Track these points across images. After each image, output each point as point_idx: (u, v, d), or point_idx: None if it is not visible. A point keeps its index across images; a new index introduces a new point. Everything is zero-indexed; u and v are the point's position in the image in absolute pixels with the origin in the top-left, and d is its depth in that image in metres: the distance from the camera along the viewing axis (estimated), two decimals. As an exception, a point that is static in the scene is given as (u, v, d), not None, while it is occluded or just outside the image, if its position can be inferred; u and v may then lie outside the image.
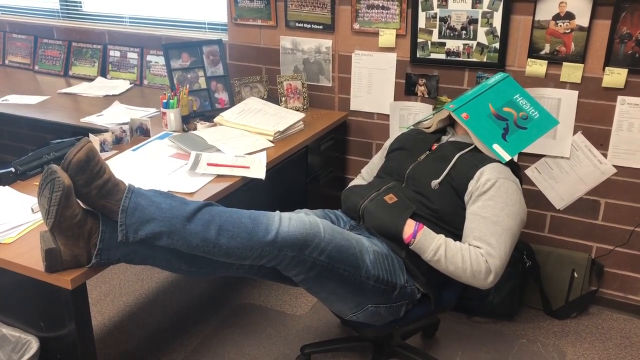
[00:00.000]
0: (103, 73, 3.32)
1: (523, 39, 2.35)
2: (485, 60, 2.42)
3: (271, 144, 2.33)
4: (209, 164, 2.05)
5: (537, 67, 2.35)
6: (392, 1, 2.52)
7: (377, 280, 1.68)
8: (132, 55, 3.24)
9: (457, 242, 1.72)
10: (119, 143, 2.26)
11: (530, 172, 2.50)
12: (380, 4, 2.55)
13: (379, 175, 2.03)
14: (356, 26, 2.64)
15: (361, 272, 1.65)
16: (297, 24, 2.78)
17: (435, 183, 1.81)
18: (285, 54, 2.85)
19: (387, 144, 2.15)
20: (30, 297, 1.56)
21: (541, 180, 2.50)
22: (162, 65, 3.09)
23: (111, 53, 3.31)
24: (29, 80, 3.35)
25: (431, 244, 1.69)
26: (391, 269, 1.71)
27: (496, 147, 1.87)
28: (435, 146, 1.96)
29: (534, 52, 2.34)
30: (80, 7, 3.45)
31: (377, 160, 2.17)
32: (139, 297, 2.60)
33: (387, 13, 2.55)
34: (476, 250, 1.69)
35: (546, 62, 2.33)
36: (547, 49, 2.31)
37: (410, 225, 1.72)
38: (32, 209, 1.72)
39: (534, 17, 2.29)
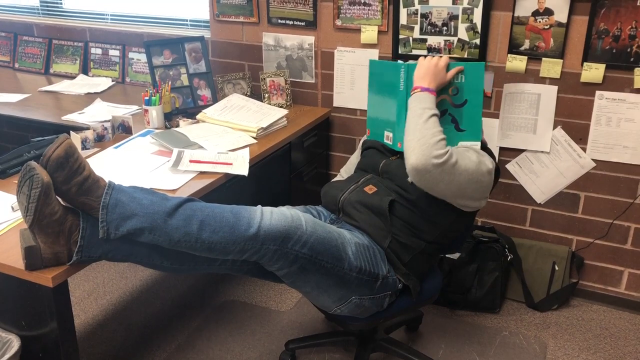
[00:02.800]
0: (85, 71, 3.29)
1: (503, 35, 2.38)
2: (466, 56, 2.45)
3: (254, 141, 2.33)
4: (191, 161, 2.05)
5: (518, 63, 2.38)
6: (374, -3, 2.53)
7: (360, 272, 1.69)
8: (114, 53, 3.22)
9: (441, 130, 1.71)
10: (101, 141, 2.25)
11: (511, 166, 2.53)
12: (362, 1, 2.56)
13: (356, 172, 2.05)
14: (338, 23, 2.65)
15: (344, 263, 1.67)
16: (279, 21, 2.78)
17: (410, 179, 1.82)
18: (268, 50, 2.85)
19: (360, 144, 2.17)
20: (11, 296, 1.55)
21: (522, 175, 2.53)
22: (144, 62, 3.07)
23: (93, 50, 3.28)
24: (9, 78, 3.31)
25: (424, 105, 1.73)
26: (373, 260, 1.73)
27: (462, 144, 1.85)
28: None
29: (514, 48, 2.37)
30: (61, 4, 3.41)
31: (354, 159, 2.19)
32: (123, 295, 2.59)
33: (368, 10, 2.56)
34: (443, 142, 1.68)
35: (526, 57, 2.36)
36: (526, 44, 2.34)
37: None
38: (12, 207, 1.71)
39: (513, 13, 2.32)
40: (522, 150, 2.50)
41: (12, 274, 1.47)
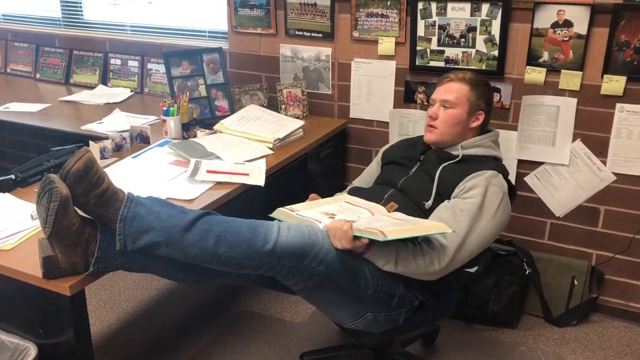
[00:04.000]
0: (104, 81, 3.33)
1: (522, 46, 2.36)
2: (484, 68, 2.43)
3: (271, 152, 2.33)
4: (208, 171, 2.06)
5: (536, 75, 2.36)
6: (391, 9, 2.53)
7: (376, 290, 1.67)
8: (133, 63, 3.26)
9: (410, 251, 1.66)
10: (119, 150, 2.27)
11: (529, 179, 2.50)
12: (380, 12, 2.56)
13: (375, 186, 2.04)
14: (355, 34, 2.65)
15: (360, 281, 1.65)
16: (297, 32, 2.79)
17: (427, 204, 1.82)
18: (285, 62, 2.87)
19: (379, 156, 2.15)
20: (29, 304, 1.57)
21: (540, 188, 2.50)
22: (162, 73, 3.10)
23: (112, 61, 3.32)
24: (31, 88, 3.37)
25: (380, 259, 1.66)
26: (389, 278, 1.71)
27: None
28: (422, 157, 1.97)
29: (532, 60, 2.35)
30: (82, 15, 3.46)
31: (370, 171, 2.16)
32: (139, 305, 2.59)
33: (386, 21, 2.56)
34: (432, 250, 1.67)
35: (545, 69, 2.34)
36: (545, 56, 2.32)
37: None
38: (32, 216, 1.72)
39: (532, 25, 2.30)
40: (540, 163, 2.47)
41: (30, 282, 1.49)
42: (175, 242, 1.49)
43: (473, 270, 2.43)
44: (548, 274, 2.50)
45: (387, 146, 2.17)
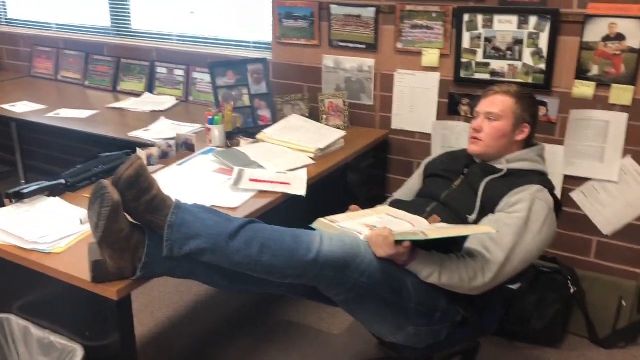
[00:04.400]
0: (150, 89, 3.41)
1: (570, 60, 2.31)
2: (530, 81, 2.39)
3: (312, 161, 2.34)
4: (251, 180, 2.08)
5: (585, 89, 2.31)
6: (437, 21, 2.52)
7: (419, 303, 1.66)
8: (179, 72, 3.33)
9: (454, 262, 1.64)
10: (165, 157, 2.32)
11: (575, 195, 2.45)
12: (425, 24, 2.55)
13: (418, 199, 2.02)
14: (399, 45, 2.65)
15: (402, 293, 1.64)
16: (340, 43, 2.80)
17: (471, 219, 1.79)
18: (328, 72, 2.88)
19: (421, 168, 2.13)
20: (77, 307, 1.60)
21: (587, 204, 2.44)
22: (207, 82, 3.15)
23: (158, 70, 3.40)
24: (80, 95, 3.47)
25: (423, 270, 1.64)
26: (432, 291, 1.69)
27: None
28: (466, 170, 1.94)
29: (581, 74, 2.30)
30: (130, 25, 3.56)
31: (411, 184, 2.14)
32: (178, 310, 2.63)
33: (431, 33, 2.55)
34: (476, 262, 1.64)
35: (594, 83, 2.29)
36: (595, 70, 2.27)
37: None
38: (81, 220, 1.77)
39: (582, 38, 2.26)
40: (587, 179, 2.41)
41: (79, 286, 1.52)
42: (220, 248, 1.51)
43: (515, 286, 2.37)
44: (593, 293, 2.43)
45: (429, 159, 2.16)
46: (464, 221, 1.80)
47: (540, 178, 1.85)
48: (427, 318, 1.69)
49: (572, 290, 2.39)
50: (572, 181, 2.44)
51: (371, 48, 2.73)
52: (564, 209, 2.43)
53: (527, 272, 2.34)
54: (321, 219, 1.78)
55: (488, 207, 1.78)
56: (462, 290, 1.66)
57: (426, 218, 1.83)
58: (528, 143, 1.94)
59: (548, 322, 2.37)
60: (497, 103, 1.89)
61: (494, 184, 1.81)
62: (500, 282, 1.69)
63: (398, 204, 2.00)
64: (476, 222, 1.78)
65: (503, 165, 1.86)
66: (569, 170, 2.43)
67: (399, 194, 2.16)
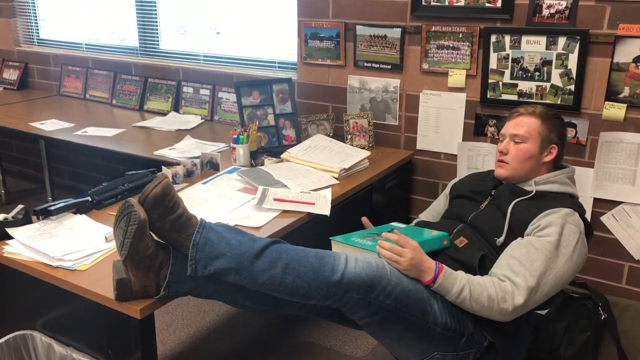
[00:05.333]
0: (176, 108, 3.44)
1: (600, 81, 2.28)
2: (559, 102, 2.36)
3: (336, 181, 2.33)
4: (275, 199, 2.07)
5: (616, 111, 2.26)
6: (463, 42, 2.51)
7: (445, 327, 1.62)
8: (205, 92, 3.36)
9: (483, 279, 1.63)
10: (190, 176, 2.32)
11: (606, 219, 2.39)
12: (451, 45, 2.54)
13: (443, 220, 1.99)
14: (425, 66, 2.64)
15: (429, 317, 1.60)
16: (365, 64, 2.80)
17: (499, 241, 1.75)
18: (353, 92, 2.88)
19: (447, 190, 2.11)
20: (100, 324, 1.60)
21: (618, 229, 2.38)
22: (232, 102, 3.18)
23: (184, 89, 3.44)
24: (107, 113, 3.52)
25: (454, 285, 1.62)
26: (459, 316, 1.65)
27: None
28: (494, 191, 1.90)
29: (611, 95, 2.26)
30: (158, 45, 3.62)
31: (438, 206, 2.12)
32: (200, 329, 2.62)
33: (457, 53, 2.54)
34: (505, 285, 1.60)
35: (625, 105, 2.24)
36: (626, 92, 2.23)
37: (430, 268, 1.64)
38: (106, 238, 1.77)
39: (612, 59, 2.22)
40: (619, 203, 2.35)
41: (103, 303, 1.52)
42: (244, 268, 1.50)
43: (544, 312, 2.32)
44: (625, 320, 2.35)
45: (455, 180, 2.13)
46: (491, 243, 1.76)
47: (571, 201, 1.80)
48: (453, 343, 1.65)
49: (603, 317, 2.32)
50: (603, 204, 2.38)
51: (397, 68, 2.72)
52: (594, 234, 2.38)
53: (556, 297, 2.29)
54: (334, 239, 1.78)
55: (516, 229, 1.74)
56: (491, 315, 1.62)
57: (453, 240, 1.80)
58: (557, 164, 1.90)
59: (578, 350, 2.29)
60: (522, 125, 1.85)
61: (523, 206, 1.77)
62: (531, 308, 1.64)
63: (424, 226, 1.97)
64: (504, 244, 1.74)
65: (532, 187, 1.82)
66: (599, 194, 2.37)
67: (425, 215, 2.14)
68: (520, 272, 1.61)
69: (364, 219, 1.96)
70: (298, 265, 1.52)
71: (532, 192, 1.80)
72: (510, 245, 1.71)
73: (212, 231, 1.53)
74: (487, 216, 1.83)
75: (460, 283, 1.61)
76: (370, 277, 1.53)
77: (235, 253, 1.50)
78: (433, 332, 1.61)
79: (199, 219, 1.56)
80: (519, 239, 1.72)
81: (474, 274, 1.67)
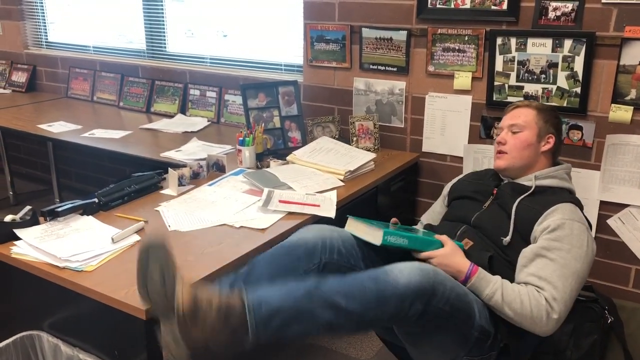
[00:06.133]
0: (183, 110, 3.46)
1: (606, 83, 2.27)
2: (565, 104, 2.35)
3: (342, 183, 2.33)
4: (280, 201, 2.08)
5: (622, 113, 2.25)
6: (469, 44, 2.51)
7: (481, 331, 1.60)
8: (211, 94, 3.37)
9: (516, 286, 1.63)
10: (196, 178, 2.33)
11: (612, 222, 2.38)
12: (457, 47, 2.54)
13: (444, 223, 1.99)
14: (431, 68, 2.64)
15: (472, 321, 1.58)
16: (371, 66, 2.81)
17: (505, 241, 1.75)
18: (358, 95, 2.88)
19: (445, 191, 2.10)
20: (106, 325, 1.61)
21: (625, 231, 2.37)
22: (239, 104, 3.19)
23: (191, 92, 3.45)
24: (114, 115, 3.54)
25: (486, 287, 1.61)
26: (488, 318, 1.64)
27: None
28: (496, 190, 1.90)
29: (618, 98, 2.25)
30: (165, 48, 3.63)
31: (437, 208, 2.12)
32: (206, 331, 2.62)
33: (463, 56, 2.54)
34: (537, 293, 1.59)
35: (632, 107, 2.23)
36: (632, 94, 2.22)
37: (464, 266, 1.65)
38: (113, 239, 1.78)
39: (619, 61, 2.22)
40: (625, 205, 2.34)
41: (109, 304, 1.53)
42: (303, 316, 1.42)
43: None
44: (633, 324, 2.34)
45: (454, 181, 2.12)
46: (497, 244, 1.76)
47: (570, 196, 1.82)
48: (481, 346, 1.63)
49: (609, 321, 2.30)
50: (609, 207, 2.37)
51: (402, 71, 2.72)
52: (600, 236, 2.38)
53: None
54: (351, 219, 1.80)
55: (522, 228, 1.74)
56: (524, 323, 1.59)
57: (458, 241, 1.80)
58: (555, 160, 1.91)
59: (584, 354, 2.28)
60: (519, 115, 1.89)
61: (526, 204, 1.77)
62: (566, 315, 1.62)
63: (428, 229, 1.97)
64: (510, 244, 1.74)
65: (532, 182, 1.82)
66: (605, 196, 2.37)
67: (425, 218, 2.14)
68: (545, 286, 1.60)
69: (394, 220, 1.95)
70: (357, 292, 1.44)
71: (532, 187, 1.80)
72: (525, 256, 1.68)
73: (258, 291, 1.43)
74: (490, 216, 1.83)
75: (493, 286, 1.60)
76: (431, 283, 1.48)
77: (290, 305, 1.41)
78: (471, 336, 1.59)
79: (238, 295, 1.42)
80: (532, 247, 1.68)
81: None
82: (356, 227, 1.78)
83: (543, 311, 1.57)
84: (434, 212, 2.12)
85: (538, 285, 1.61)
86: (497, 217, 1.81)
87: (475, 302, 1.61)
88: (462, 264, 1.65)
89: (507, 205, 1.79)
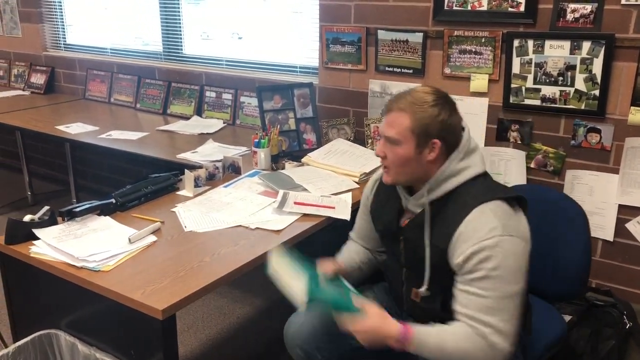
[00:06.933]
0: (199, 112, 3.48)
1: (626, 86, 2.24)
2: (583, 107, 2.33)
3: (357, 185, 2.33)
4: (295, 203, 2.08)
5: (642, 116, 2.23)
6: (486, 47, 2.49)
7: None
8: (227, 96, 3.39)
9: (455, 331, 1.45)
10: (212, 179, 2.34)
11: (631, 226, 2.35)
12: (473, 49, 2.53)
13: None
14: (447, 70, 2.63)
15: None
16: (386, 68, 2.80)
17: (422, 292, 1.57)
18: (374, 97, 2.88)
19: (366, 207, 1.82)
20: (123, 325, 1.62)
21: (644, 236, 2.34)
22: (254, 106, 3.20)
23: (207, 94, 3.47)
24: (131, 117, 3.57)
25: (426, 349, 1.46)
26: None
27: None
28: (402, 237, 1.63)
29: (638, 100, 2.22)
30: (181, 50, 3.66)
31: (364, 224, 1.86)
32: (221, 332, 2.63)
33: (479, 58, 2.52)
34: (476, 337, 1.42)
35: (652, 110, 2.21)
36: (652, 96, 2.20)
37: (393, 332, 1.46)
38: (130, 239, 1.80)
39: (639, 63, 2.19)
40: (644, 209, 2.31)
41: (125, 304, 1.54)
42: None
43: (566, 319, 2.28)
44: (651, 329, 2.31)
45: (367, 191, 1.82)
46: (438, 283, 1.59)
47: (485, 186, 1.52)
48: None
49: (627, 326, 2.28)
50: (628, 211, 2.34)
51: (418, 73, 2.71)
52: (618, 240, 2.35)
53: (577, 304, 2.26)
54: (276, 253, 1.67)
55: (438, 269, 1.54)
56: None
57: (408, 297, 1.68)
58: (450, 155, 1.53)
59: (602, 359, 2.26)
60: (393, 124, 1.53)
61: (438, 236, 1.52)
62: (517, 328, 1.48)
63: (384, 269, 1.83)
64: (428, 297, 1.58)
65: (424, 199, 1.53)
66: (624, 200, 2.33)
67: (356, 235, 1.90)
68: (483, 325, 1.43)
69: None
70: None
71: (425, 210, 1.53)
72: (459, 301, 1.47)
73: None
74: (413, 261, 1.62)
75: (433, 347, 1.46)
76: None
77: None
78: None
79: None
80: (460, 286, 1.47)
81: (444, 321, 1.51)
82: (280, 267, 1.63)
83: (488, 349, 1.42)
84: (362, 229, 1.87)
85: (475, 326, 1.43)
86: (416, 263, 1.60)
87: None
88: (390, 331, 1.47)
89: (419, 251, 1.57)
